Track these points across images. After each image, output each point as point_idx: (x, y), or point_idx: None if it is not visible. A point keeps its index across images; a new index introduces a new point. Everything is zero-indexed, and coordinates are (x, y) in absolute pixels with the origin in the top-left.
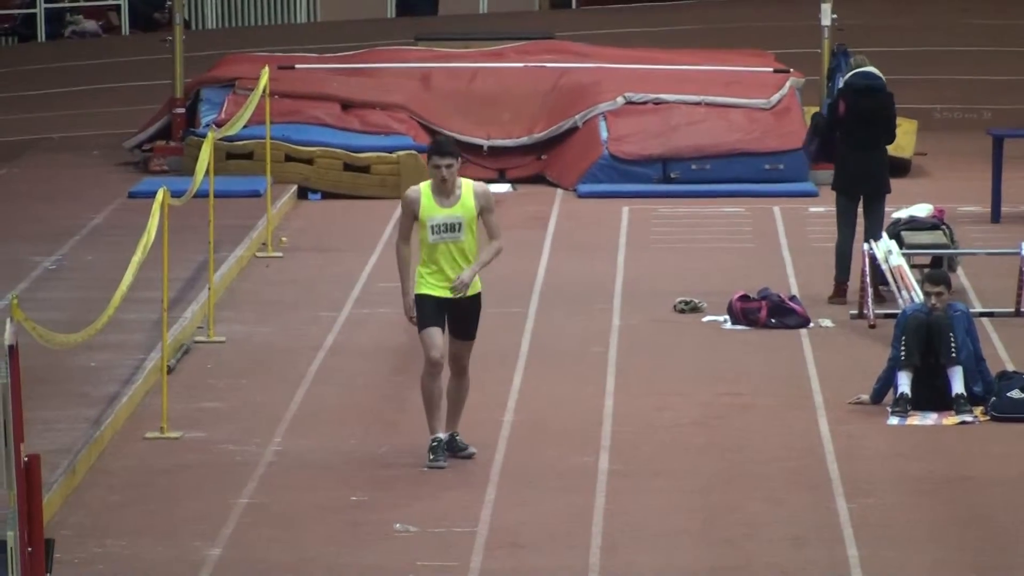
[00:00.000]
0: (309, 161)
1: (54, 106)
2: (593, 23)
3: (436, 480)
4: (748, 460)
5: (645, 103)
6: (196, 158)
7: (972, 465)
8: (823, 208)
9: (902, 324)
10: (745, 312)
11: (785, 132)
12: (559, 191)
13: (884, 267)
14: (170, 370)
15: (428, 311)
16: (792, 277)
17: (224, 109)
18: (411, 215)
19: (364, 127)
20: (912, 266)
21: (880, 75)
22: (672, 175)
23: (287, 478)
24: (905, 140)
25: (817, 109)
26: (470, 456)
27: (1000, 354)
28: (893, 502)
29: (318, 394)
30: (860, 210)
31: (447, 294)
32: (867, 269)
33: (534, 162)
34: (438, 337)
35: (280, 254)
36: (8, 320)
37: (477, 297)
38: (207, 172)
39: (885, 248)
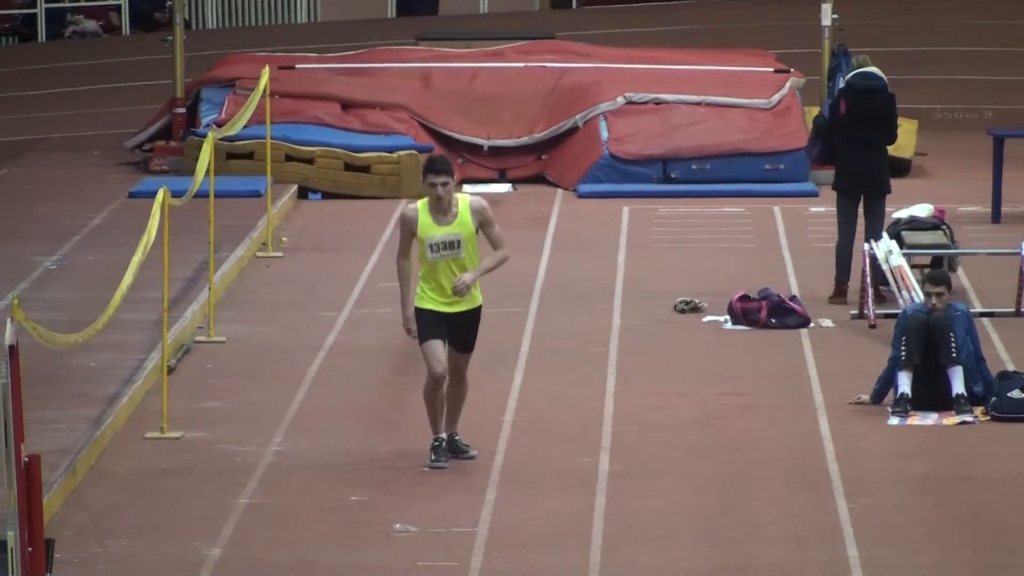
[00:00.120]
0: (309, 161)
1: (54, 106)
2: (593, 23)
3: (436, 480)
4: (748, 460)
5: (645, 103)
6: (196, 158)
7: (972, 465)
8: (823, 208)
9: (902, 324)
10: (745, 312)
11: (785, 132)
12: (559, 191)
13: (884, 267)
14: (170, 370)
15: (429, 324)
16: (792, 277)
17: (224, 109)
18: (410, 233)
19: (364, 127)
20: (912, 266)
21: (882, 75)
22: (672, 175)
23: (287, 478)
24: (905, 140)
25: (817, 109)
26: (471, 458)
27: (1000, 354)
28: (893, 502)
29: (318, 394)
30: (860, 210)
31: (448, 308)
32: (867, 269)
33: (534, 162)
34: (440, 351)
35: (280, 254)
36: (8, 320)
37: (477, 310)
38: (207, 172)
39: (885, 248)
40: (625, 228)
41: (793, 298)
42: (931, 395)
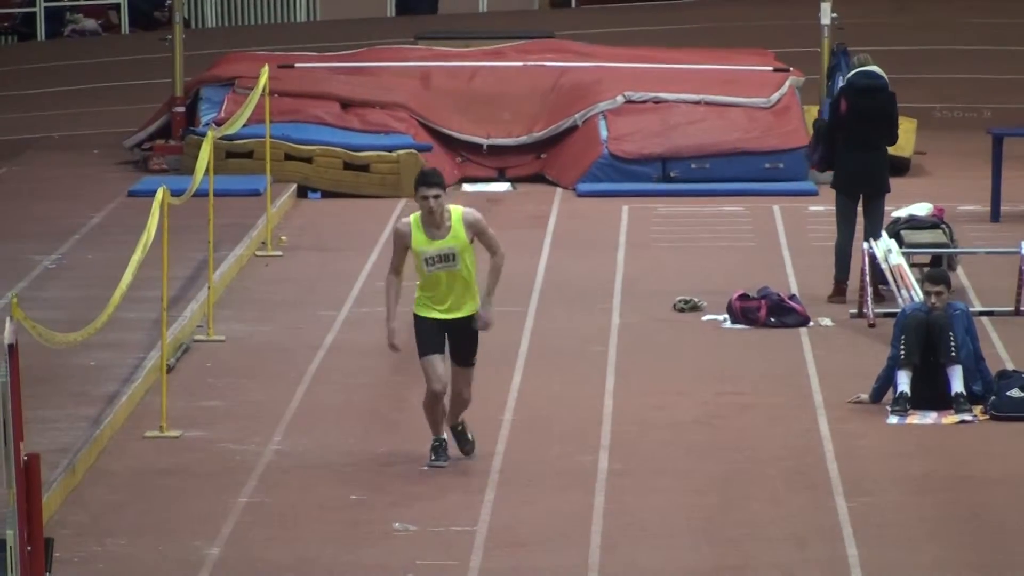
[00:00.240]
0: (309, 160)
1: (53, 105)
2: (593, 22)
3: (436, 479)
4: (747, 459)
5: (645, 102)
6: (196, 157)
7: (972, 464)
8: (823, 207)
9: (902, 323)
10: (744, 311)
11: (785, 131)
12: (559, 190)
13: (884, 266)
14: (170, 369)
15: (428, 336)
16: (792, 276)
17: (224, 108)
18: (403, 248)
19: (364, 126)
20: (912, 265)
21: (882, 74)
22: (672, 174)
23: (286, 477)
24: (905, 139)
25: (817, 108)
26: (471, 447)
27: (1000, 353)
28: (893, 501)
29: (318, 393)
30: (860, 209)
31: (447, 315)
32: (867, 268)
33: (534, 161)
34: (439, 367)
35: (280, 253)
36: (8, 319)
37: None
38: (207, 171)
39: (885, 247)
40: (624, 227)
41: (792, 297)
42: (930, 394)
